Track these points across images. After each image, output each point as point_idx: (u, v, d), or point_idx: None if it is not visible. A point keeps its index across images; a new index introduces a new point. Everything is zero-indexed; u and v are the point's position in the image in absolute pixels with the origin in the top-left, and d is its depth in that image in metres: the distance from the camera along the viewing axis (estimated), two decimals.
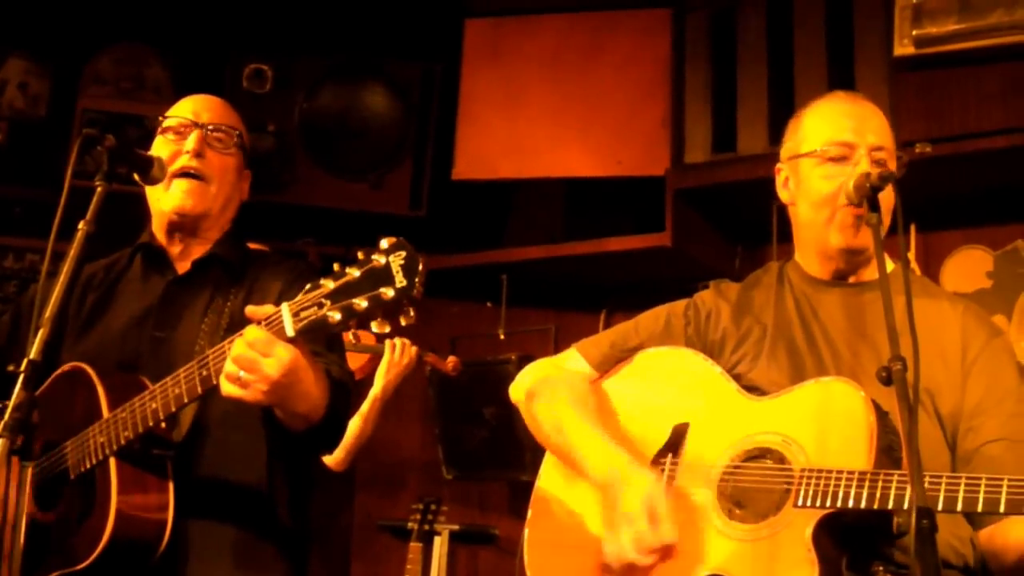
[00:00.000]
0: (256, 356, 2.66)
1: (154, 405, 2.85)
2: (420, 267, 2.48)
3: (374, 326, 2.55)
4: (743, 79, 4.83)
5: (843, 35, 4.63)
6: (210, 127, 3.26)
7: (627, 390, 3.09)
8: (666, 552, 2.71)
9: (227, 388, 2.70)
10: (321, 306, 2.55)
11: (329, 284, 2.54)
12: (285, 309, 2.63)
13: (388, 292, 2.47)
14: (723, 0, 4.92)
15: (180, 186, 3.20)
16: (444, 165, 5.34)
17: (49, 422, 3.01)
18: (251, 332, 2.67)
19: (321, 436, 3.06)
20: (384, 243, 2.52)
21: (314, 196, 5.44)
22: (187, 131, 3.25)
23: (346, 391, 3.09)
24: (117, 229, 3.09)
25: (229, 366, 2.68)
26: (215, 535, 3.07)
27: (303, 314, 2.59)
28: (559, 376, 3.17)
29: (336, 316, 2.52)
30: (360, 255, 2.53)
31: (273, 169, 5.33)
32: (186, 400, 2.82)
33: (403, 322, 2.54)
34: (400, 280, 2.47)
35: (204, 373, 2.77)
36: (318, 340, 2.97)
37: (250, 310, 2.73)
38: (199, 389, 2.79)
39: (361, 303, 2.49)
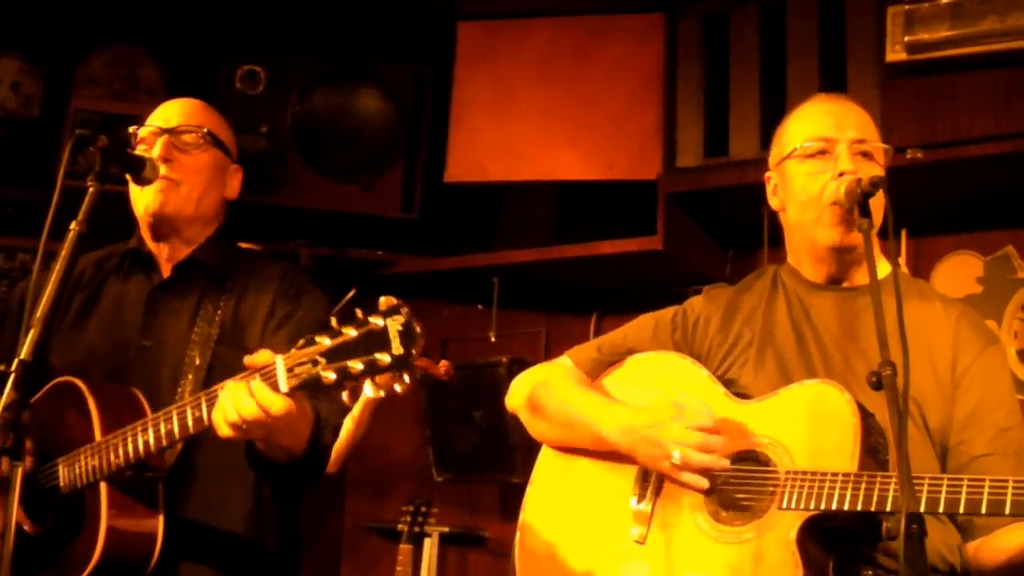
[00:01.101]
0: (261, 414, 2.65)
1: (146, 437, 2.87)
2: (418, 331, 2.48)
3: (368, 387, 2.54)
4: (735, 84, 4.83)
5: (835, 40, 4.62)
6: (177, 130, 3.28)
7: (616, 393, 3.10)
8: (723, 430, 2.79)
9: (225, 431, 2.71)
10: (316, 363, 2.54)
11: (325, 341, 2.53)
12: (280, 363, 2.61)
13: (384, 359, 2.46)
14: (716, 5, 4.92)
15: (152, 188, 3.21)
16: (436, 168, 5.34)
17: (41, 435, 3.03)
18: (258, 390, 2.66)
19: (301, 471, 3.09)
20: (383, 303, 2.51)
21: (306, 198, 5.43)
22: (155, 139, 3.27)
23: (332, 430, 3.12)
24: (109, 229, 3.10)
25: (230, 414, 2.67)
26: (203, 557, 3.09)
27: (297, 370, 2.58)
28: (558, 371, 3.20)
29: (331, 376, 2.52)
30: (359, 314, 2.51)
31: (265, 171, 5.32)
32: (177, 437, 2.85)
33: (399, 388, 2.54)
34: (397, 347, 2.46)
35: (197, 414, 2.78)
36: None
37: (248, 360, 2.72)
38: (191, 429, 2.81)
39: (356, 366, 2.49)
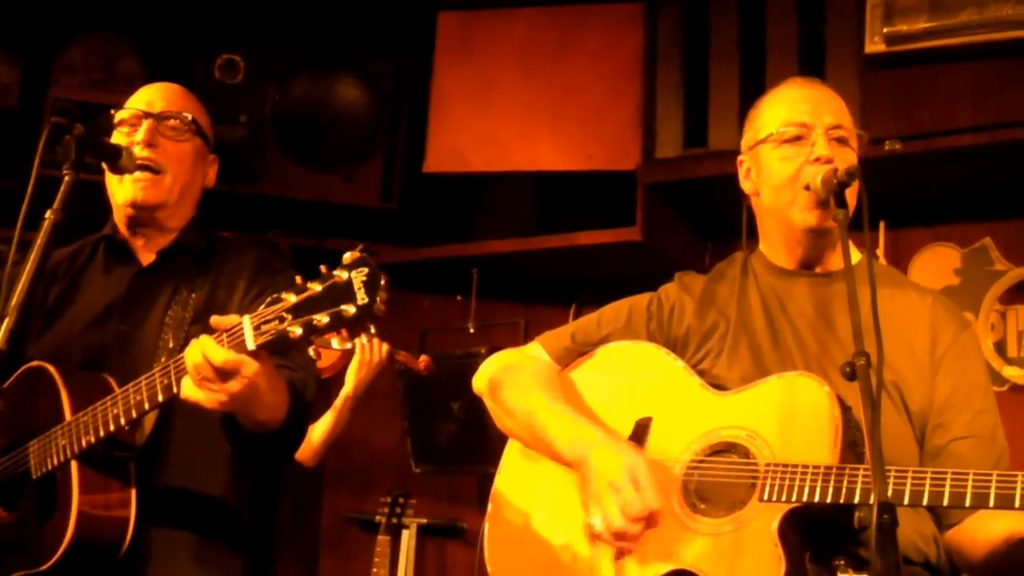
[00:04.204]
0: (205, 364, 2.63)
1: (116, 411, 2.84)
2: (382, 283, 2.46)
3: (335, 342, 2.54)
4: (715, 74, 4.84)
5: (815, 31, 4.64)
6: (162, 116, 3.24)
7: (588, 384, 3.09)
8: (651, 519, 2.70)
9: (187, 391, 2.69)
10: (282, 320, 2.53)
11: (291, 298, 2.52)
12: (247, 322, 2.60)
13: (349, 309, 2.45)
14: None
15: (133, 178, 3.18)
16: (415, 158, 5.34)
17: (12, 422, 3.01)
18: (205, 341, 2.65)
19: (277, 443, 3.07)
20: (347, 257, 2.50)
21: (285, 188, 5.43)
22: (139, 122, 3.23)
23: (306, 403, 3.10)
24: (85, 218, 3.08)
25: (191, 370, 2.67)
26: (177, 537, 3.07)
27: (264, 328, 2.57)
28: (526, 363, 3.17)
29: (297, 331, 2.51)
30: (323, 269, 2.51)
31: (244, 160, 5.31)
32: (147, 407, 2.81)
33: (364, 340, 2.53)
34: (362, 297, 2.45)
35: (165, 381, 2.76)
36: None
37: (215, 320, 2.69)
38: (160, 397, 2.78)
39: (322, 319, 2.48)
